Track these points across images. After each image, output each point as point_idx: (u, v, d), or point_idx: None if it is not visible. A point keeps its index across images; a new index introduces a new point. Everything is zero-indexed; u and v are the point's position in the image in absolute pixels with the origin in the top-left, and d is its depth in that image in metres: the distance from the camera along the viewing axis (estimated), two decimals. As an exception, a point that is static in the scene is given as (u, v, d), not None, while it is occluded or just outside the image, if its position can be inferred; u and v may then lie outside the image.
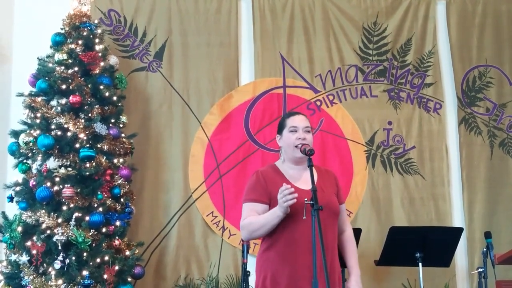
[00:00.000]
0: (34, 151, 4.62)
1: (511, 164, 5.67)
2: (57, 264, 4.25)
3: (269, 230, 3.11)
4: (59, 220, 4.36)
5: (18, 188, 4.61)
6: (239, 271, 5.02)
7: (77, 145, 4.57)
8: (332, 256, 3.15)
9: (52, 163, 4.62)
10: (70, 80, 4.72)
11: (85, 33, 4.91)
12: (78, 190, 4.50)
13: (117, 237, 4.65)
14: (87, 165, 4.56)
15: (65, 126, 4.61)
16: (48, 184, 4.46)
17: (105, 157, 4.70)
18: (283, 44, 5.70)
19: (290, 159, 3.29)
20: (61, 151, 4.60)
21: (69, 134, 4.59)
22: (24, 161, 4.70)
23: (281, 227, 3.10)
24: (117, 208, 4.73)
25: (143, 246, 5.07)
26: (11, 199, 4.63)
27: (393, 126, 5.66)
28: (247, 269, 3.91)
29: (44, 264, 4.32)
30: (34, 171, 4.64)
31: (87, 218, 4.43)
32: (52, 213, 4.39)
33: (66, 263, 4.27)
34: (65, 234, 4.30)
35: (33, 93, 4.78)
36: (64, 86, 4.70)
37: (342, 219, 3.35)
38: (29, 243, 4.33)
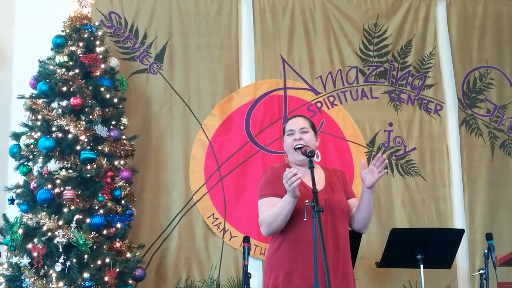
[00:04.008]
0: (35, 153, 4.61)
1: (512, 166, 5.68)
2: (58, 267, 4.24)
3: (285, 218, 3.11)
4: (60, 222, 4.35)
5: (19, 190, 4.60)
6: (240, 273, 5.01)
7: (78, 147, 4.57)
8: (344, 255, 3.19)
9: (53, 165, 4.61)
10: (71, 82, 4.71)
11: (85, 35, 4.91)
12: (79, 192, 4.49)
13: (118, 239, 4.63)
14: (88, 167, 4.56)
15: (66, 128, 4.60)
16: (49, 186, 4.45)
17: (106, 159, 4.70)
18: (283, 45, 5.69)
19: (293, 162, 3.36)
20: (62, 153, 4.59)
21: (70, 136, 4.58)
22: (25, 163, 4.69)
23: (291, 227, 3.14)
24: (118, 210, 4.73)
25: (144, 248, 5.06)
26: (12, 201, 4.62)
27: (394, 127, 5.66)
28: (248, 271, 3.90)
29: (45, 267, 4.31)
30: (35, 173, 4.64)
31: (88, 220, 4.42)
32: (53, 215, 4.38)
33: (67, 265, 4.26)
34: (66, 236, 4.29)
35: (34, 95, 4.78)
36: (65, 88, 4.69)
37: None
38: (30, 246, 4.31)
